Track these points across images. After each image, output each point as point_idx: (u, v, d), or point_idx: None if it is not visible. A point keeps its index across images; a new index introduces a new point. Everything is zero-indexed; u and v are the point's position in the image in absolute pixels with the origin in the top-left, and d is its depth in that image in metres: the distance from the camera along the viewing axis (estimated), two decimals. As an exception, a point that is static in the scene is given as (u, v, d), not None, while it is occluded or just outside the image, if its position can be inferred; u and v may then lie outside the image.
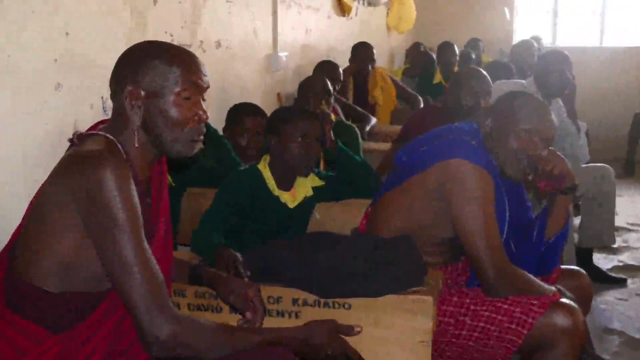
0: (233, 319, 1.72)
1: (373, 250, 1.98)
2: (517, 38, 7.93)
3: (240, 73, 3.62)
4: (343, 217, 2.50)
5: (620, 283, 3.70)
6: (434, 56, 6.28)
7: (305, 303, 1.88)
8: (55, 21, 2.09)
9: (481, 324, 1.95)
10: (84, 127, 1.75)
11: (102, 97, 2.31)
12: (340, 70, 4.44)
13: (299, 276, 1.89)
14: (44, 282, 1.41)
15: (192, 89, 1.48)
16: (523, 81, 3.87)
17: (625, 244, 4.38)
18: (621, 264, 4.02)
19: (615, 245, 4.02)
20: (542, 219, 2.22)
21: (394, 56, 7.69)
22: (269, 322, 1.76)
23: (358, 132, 3.77)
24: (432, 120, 2.88)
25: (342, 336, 1.57)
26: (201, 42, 3.13)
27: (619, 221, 4.31)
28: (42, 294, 1.41)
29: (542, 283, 2.02)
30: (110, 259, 1.37)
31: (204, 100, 1.53)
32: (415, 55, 6.66)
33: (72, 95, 2.18)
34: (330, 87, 3.61)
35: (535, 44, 6.00)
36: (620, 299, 3.49)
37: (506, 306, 1.94)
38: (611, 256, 4.11)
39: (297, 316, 1.88)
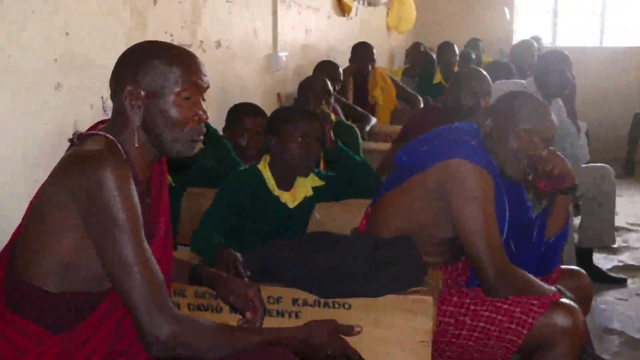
0: (233, 319, 1.72)
1: (373, 250, 1.98)
2: (517, 38, 7.93)
3: (240, 73, 3.62)
4: (343, 217, 2.50)
5: (620, 283, 3.70)
6: (434, 56, 6.28)
7: (305, 303, 1.88)
8: (55, 21, 2.09)
9: (481, 324, 1.95)
10: (84, 127, 1.75)
11: (102, 97, 2.31)
12: (340, 70, 4.43)
13: (299, 276, 1.89)
14: (44, 282, 1.41)
15: (192, 89, 1.48)
16: (523, 81, 3.87)
17: (625, 244, 4.38)
18: (621, 264, 4.02)
19: (615, 245, 4.02)
20: (542, 219, 2.22)
21: (394, 56, 7.69)
22: (269, 322, 1.76)
23: (358, 132, 3.76)
24: (432, 120, 2.88)
25: (342, 336, 1.57)
26: (201, 42, 3.13)
27: (619, 221, 4.31)
28: (42, 294, 1.41)
29: (542, 283, 2.02)
30: (110, 259, 1.37)
31: (204, 100, 1.53)
32: (415, 55, 6.66)
33: (72, 95, 2.18)
34: (330, 87, 3.61)
35: (535, 44, 6.00)
36: (620, 299, 3.50)
37: (506, 306, 1.94)
38: (611, 256, 4.11)
39: (297, 316, 1.88)
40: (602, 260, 3.99)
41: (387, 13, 7.22)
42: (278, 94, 4.19)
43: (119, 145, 1.45)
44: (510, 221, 2.11)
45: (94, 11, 2.29)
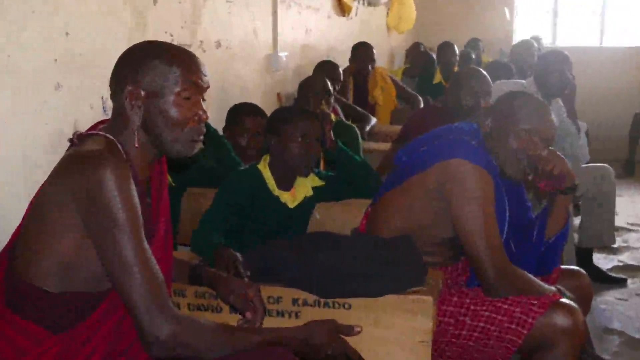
0: (233, 319, 1.72)
1: (373, 250, 1.98)
2: (517, 38, 7.92)
3: (240, 73, 3.62)
4: (343, 217, 2.50)
5: (620, 283, 3.71)
6: (434, 56, 6.28)
7: (305, 303, 1.88)
8: (55, 21, 2.09)
9: (481, 324, 1.95)
10: (84, 127, 1.75)
11: (102, 97, 2.31)
12: (340, 70, 4.43)
13: (299, 276, 1.89)
14: (44, 282, 1.41)
15: (192, 89, 1.48)
16: (523, 81, 3.87)
17: (625, 244, 4.38)
18: (621, 264, 4.02)
19: (615, 245, 4.02)
20: (542, 219, 2.22)
21: (394, 56, 7.69)
22: (269, 322, 1.76)
23: (358, 132, 3.76)
24: (432, 120, 2.88)
25: (342, 336, 1.57)
26: (201, 42, 3.13)
27: (619, 221, 4.32)
28: (42, 294, 1.41)
29: (542, 283, 2.02)
30: (110, 259, 1.37)
31: (204, 100, 1.53)
32: (415, 55, 6.66)
33: (72, 95, 2.18)
34: (330, 87, 3.61)
35: (535, 44, 6.00)
36: (620, 299, 3.50)
37: (506, 306, 1.94)
38: (611, 256, 4.12)
39: (297, 316, 1.88)
40: (602, 260, 3.99)
41: (387, 13, 7.21)
42: (278, 94, 4.19)
43: (119, 145, 1.45)
44: (510, 221, 2.11)
45: (94, 11, 2.29)
